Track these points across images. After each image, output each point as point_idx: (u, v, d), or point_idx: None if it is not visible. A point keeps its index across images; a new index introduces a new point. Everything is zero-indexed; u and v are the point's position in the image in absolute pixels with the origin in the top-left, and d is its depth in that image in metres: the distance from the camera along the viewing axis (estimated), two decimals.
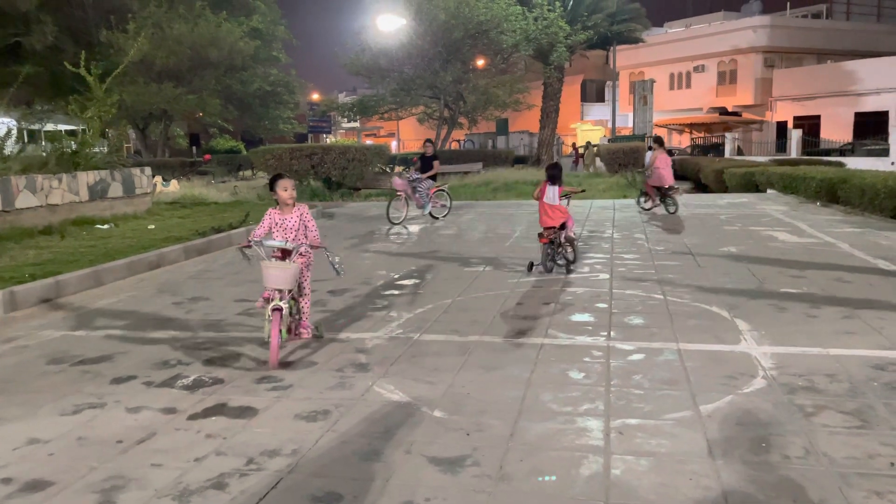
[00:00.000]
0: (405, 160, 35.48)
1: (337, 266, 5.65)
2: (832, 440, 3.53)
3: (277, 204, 5.34)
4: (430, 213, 13.88)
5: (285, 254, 5.24)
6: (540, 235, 8.07)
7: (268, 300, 5.09)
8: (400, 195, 13.66)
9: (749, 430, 3.66)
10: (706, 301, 6.50)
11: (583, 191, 10.23)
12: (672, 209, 13.70)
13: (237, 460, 3.49)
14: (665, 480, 3.17)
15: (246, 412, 4.12)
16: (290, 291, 5.13)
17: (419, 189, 13.52)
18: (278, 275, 5.05)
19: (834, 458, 3.35)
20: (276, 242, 5.22)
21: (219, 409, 4.17)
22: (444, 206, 14.21)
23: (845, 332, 5.45)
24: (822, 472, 3.20)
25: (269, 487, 3.20)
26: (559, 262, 8.16)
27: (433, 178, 13.81)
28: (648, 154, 14.25)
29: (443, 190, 14.18)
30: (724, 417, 3.84)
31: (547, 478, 3.21)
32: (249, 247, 5.24)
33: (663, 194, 13.80)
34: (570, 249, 8.22)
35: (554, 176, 8.18)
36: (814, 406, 3.97)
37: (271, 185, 5.32)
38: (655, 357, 4.91)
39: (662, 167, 13.66)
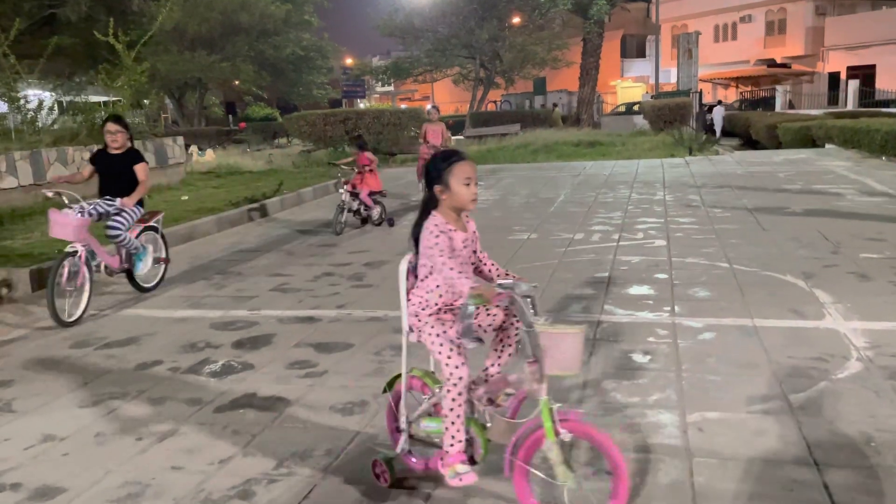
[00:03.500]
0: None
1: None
2: None
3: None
4: None
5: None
6: None
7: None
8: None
9: (852, 426, 3.14)
10: (778, 269, 5.91)
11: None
12: None
13: (266, 462, 3.12)
14: (759, 490, 2.69)
15: (276, 404, 3.74)
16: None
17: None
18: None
19: None
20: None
21: (247, 401, 3.81)
22: None
23: None
24: None
25: (301, 497, 2.82)
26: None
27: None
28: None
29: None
30: (820, 409, 3.32)
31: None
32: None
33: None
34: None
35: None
36: None
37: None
38: (728, 336, 4.39)
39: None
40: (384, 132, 20.70)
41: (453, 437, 2.58)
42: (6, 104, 12.27)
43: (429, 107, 12.92)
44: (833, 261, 6.11)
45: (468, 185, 2.61)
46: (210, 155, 22.38)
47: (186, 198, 11.75)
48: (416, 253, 2.71)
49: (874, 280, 5.47)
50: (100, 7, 27.44)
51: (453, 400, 2.54)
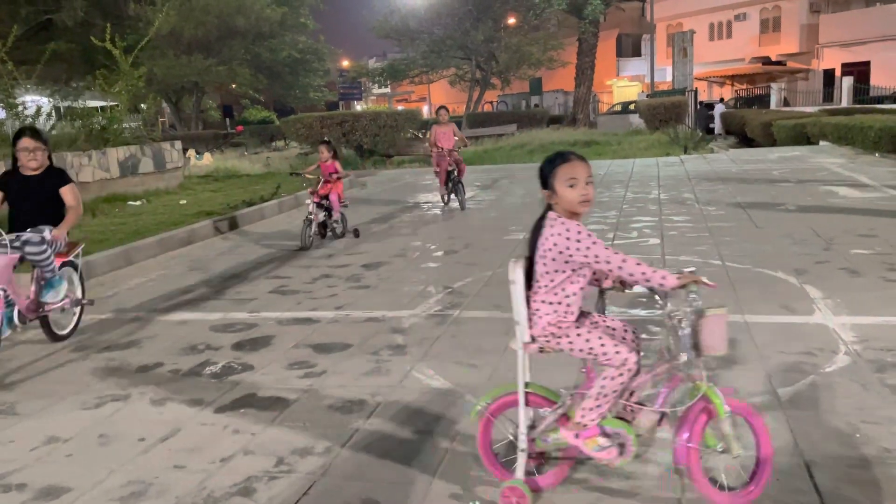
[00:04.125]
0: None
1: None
2: None
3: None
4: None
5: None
6: None
7: None
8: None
9: (839, 418, 3.22)
10: (770, 266, 5.99)
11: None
12: None
13: (266, 461, 3.19)
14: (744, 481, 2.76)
15: (276, 403, 3.82)
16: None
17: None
18: None
19: None
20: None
21: (248, 401, 3.88)
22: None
23: None
24: None
25: (301, 494, 2.89)
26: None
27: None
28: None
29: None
30: (808, 402, 3.40)
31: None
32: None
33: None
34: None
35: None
36: None
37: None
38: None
39: None
40: (381, 134, 20.78)
41: (593, 411, 2.56)
42: (4, 110, 12.33)
43: (438, 108, 11.47)
44: (825, 257, 6.19)
45: (573, 186, 2.52)
46: (207, 158, 22.44)
47: (185, 202, 11.81)
48: (530, 258, 2.63)
49: (864, 276, 5.55)
50: (96, 12, 27.52)
51: (613, 380, 2.52)
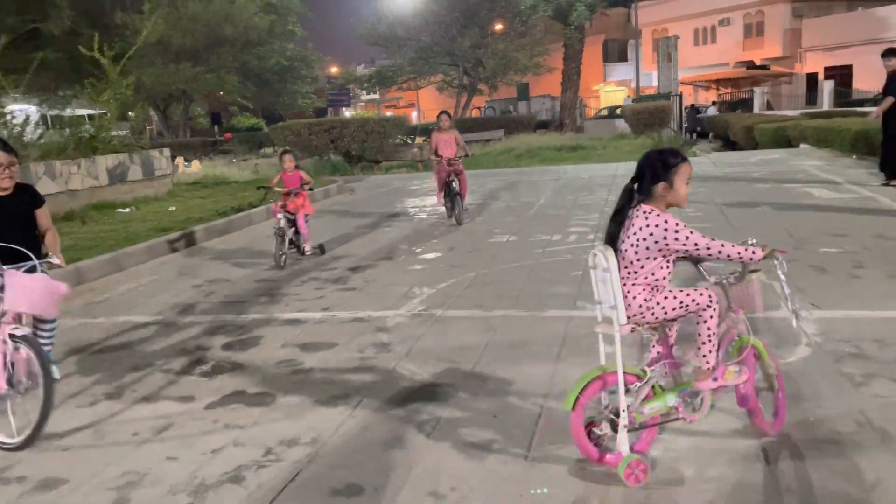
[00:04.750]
0: (426, 130, 34.98)
1: None
2: (886, 412, 3.28)
3: None
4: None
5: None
6: None
7: None
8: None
9: (796, 404, 3.42)
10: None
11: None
12: None
13: (255, 451, 3.35)
14: (695, 460, 2.96)
15: (265, 399, 3.98)
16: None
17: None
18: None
19: (889, 431, 3.10)
20: None
21: (237, 397, 4.04)
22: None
23: (892, 293, 5.14)
24: (876, 448, 2.97)
25: (288, 480, 3.06)
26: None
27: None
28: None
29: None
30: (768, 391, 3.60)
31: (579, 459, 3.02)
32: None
33: None
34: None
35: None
36: (864, 375, 3.72)
37: None
38: (690, 325, 4.66)
39: None
40: (368, 140, 20.97)
41: (711, 352, 2.91)
42: None
43: (440, 113, 10.22)
44: (795, 256, 6.40)
45: (688, 184, 2.85)
46: (196, 166, 22.53)
47: (174, 209, 11.94)
48: (614, 246, 2.86)
49: (831, 273, 5.77)
50: (83, 21, 27.59)
51: (711, 318, 2.88)
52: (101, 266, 7.67)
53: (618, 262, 2.82)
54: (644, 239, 2.80)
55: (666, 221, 2.78)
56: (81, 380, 4.50)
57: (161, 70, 28.01)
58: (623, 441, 2.84)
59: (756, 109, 35.86)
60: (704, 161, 16.50)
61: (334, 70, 51.14)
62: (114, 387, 4.34)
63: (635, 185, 2.92)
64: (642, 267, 2.84)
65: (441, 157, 9.56)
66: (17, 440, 3.55)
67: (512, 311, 5.35)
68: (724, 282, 3.02)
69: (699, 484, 2.81)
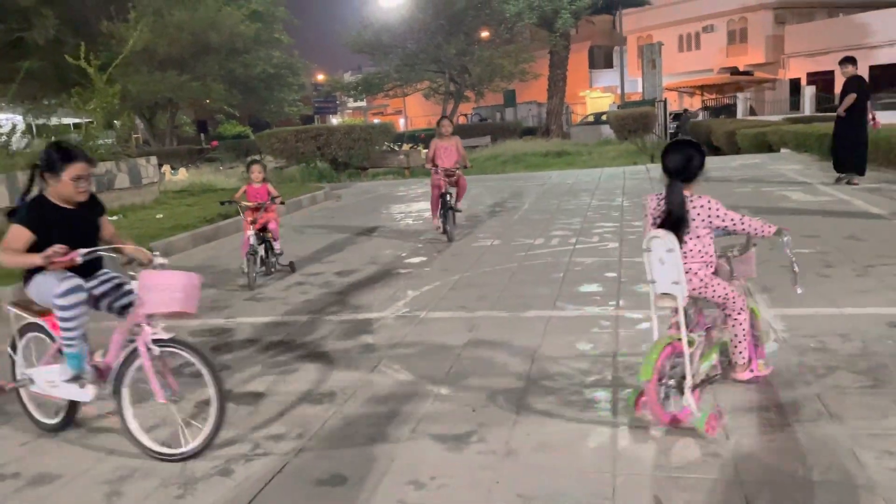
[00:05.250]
0: (413, 137, 35.19)
1: None
2: (844, 401, 3.46)
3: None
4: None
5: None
6: None
7: None
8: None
9: (761, 395, 3.59)
10: None
11: None
12: None
13: (243, 446, 3.48)
14: (675, 448, 3.12)
15: (253, 397, 4.11)
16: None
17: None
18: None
19: (846, 419, 3.28)
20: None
21: (225, 395, 4.15)
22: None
23: (859, 290, 5.34)
24: (834, 435, 3.14)
25: (275, 472, 3.19)
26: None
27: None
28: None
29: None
30: (737, 383, 3.77)
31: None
32: None
33: None
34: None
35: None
36: (825, 367, 3.90)
37: None
38: (665, 325, 4.83)
39: None
40: (355, 147, 21.11)
41: (745, 350, 3.54)
42: None
43: (440, 119, 9.60)
44: (768, 256, 6.56)
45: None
46: (183, 174, 22.56)
47: (161, 216, 12.02)
48: (679, 229, 3.24)
49: (801, 272, 5.95)
50: (67, 30, 27.58)
51: (745, 321, 3.50)
52: None
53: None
54: (701, 218, 3.28)
55: (710, 201, 3.30)
56: None
57: (147, 78, 28.03)
58: (692, 399, 3.20)
59: (739, 115, 36.30)
60: None
61: (321, 77, 51.24)
62: (101, 388, 4.43)
63: (675, 178, 3.31)
64: (697, 244, 3.33)
65: (437, 166, 8.80)
66: (191, 446, 3.35)
67: (494, 311, 5.50)
68: (729, 255, 3.55)
69: (669, 471, 2.97)
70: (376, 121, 41.30)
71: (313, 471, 3.18)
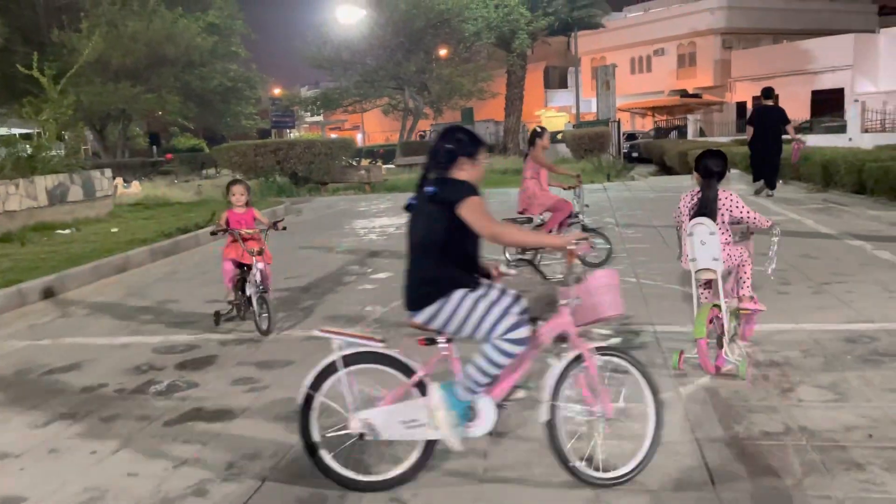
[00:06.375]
0: (371, 152, 35.14)
1: None
2: (810, 414, 3.59)
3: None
4: None
5: None
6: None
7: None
8: None
9: (730, 410, 3.70)
10: (679, 283, 6.56)
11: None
12: None
13: (217, 465, 3.41)
14: (650, 462, 3.18)
15: (224, 415, 4.04)
16: None
17: None
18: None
19: (813, 431, 3.40)
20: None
21: (195, 414, 4.08)
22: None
23: (816, 307, 5.55)
24: (802, 447, 3.25)
25: (253, 491, 3.14)
26: None
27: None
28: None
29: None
30: (704, 398, 3.88)
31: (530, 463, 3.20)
32: None
33: None
34: None
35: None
36: (790, 382, 4.03)
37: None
38: (633, 340, 4.95)
39: None
40: (315, 162, 20.97)
41: (750, 287, 4.51)
42: None
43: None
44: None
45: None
46: (136, 187, 22.06)
47: (116, 230, 11.73)
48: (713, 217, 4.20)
49: (759, 290, 6.12)
50: (17, 38, 26.85)
51: (751, 267, 4.47)
52: (44, 287, 7.51)
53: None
54: (727, 210, 4.24)
55: (732, 195, 4.30)
56: (34, 400, 4.45)
57: (100, 89, 27.36)
58: (731, 348, 4.07)
59: (690, 136, 37.34)
60: (642, 185, 17.17)
61: (278, 91, 50.82)
62: (67, 407, 4.31)
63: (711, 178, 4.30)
64: (725, 230, 4.26)
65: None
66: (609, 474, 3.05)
67: None
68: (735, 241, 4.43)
69: (644, 478, 3.03)
70: (334, 136, 41.16)
71: (292, 490, 3.14)
